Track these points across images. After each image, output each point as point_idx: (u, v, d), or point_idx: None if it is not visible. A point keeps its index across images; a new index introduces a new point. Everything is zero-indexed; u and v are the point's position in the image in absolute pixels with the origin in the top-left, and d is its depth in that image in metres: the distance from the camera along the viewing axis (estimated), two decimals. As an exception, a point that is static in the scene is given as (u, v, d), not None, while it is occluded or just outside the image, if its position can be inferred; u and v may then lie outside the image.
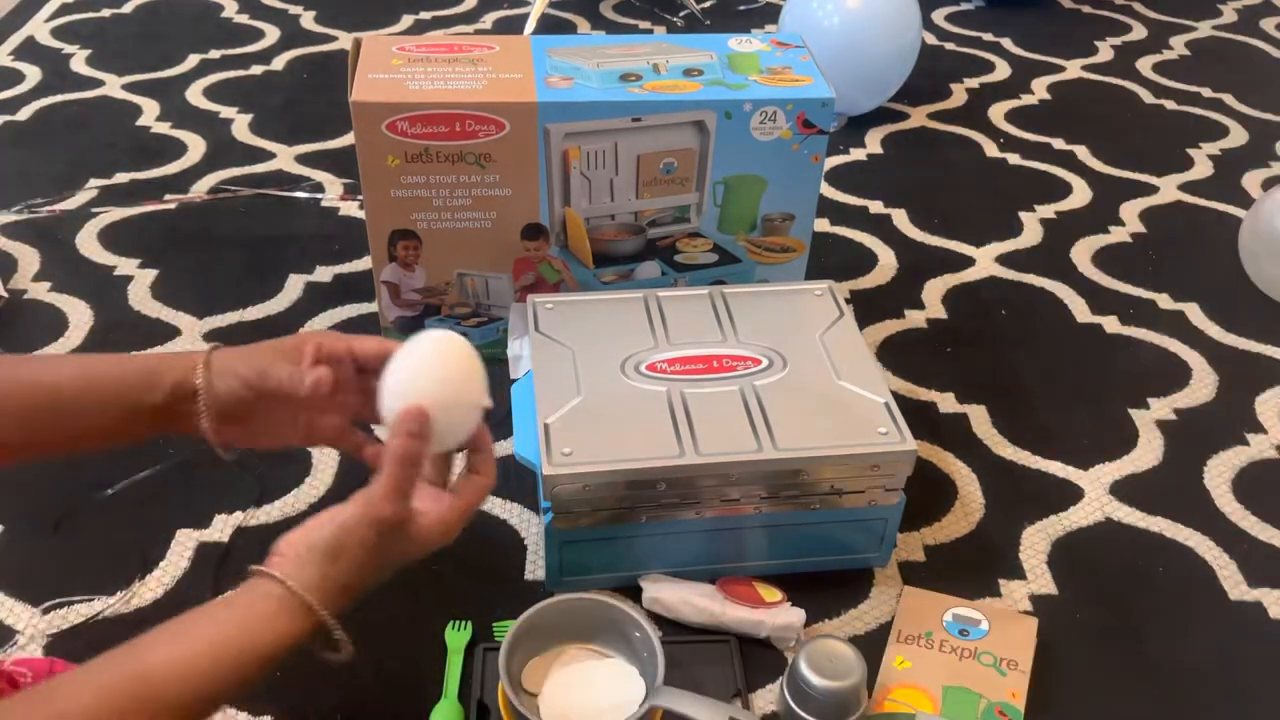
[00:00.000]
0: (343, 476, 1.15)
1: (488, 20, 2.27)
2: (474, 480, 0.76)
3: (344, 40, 2.15)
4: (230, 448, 0.77)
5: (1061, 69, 2.19)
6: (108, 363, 0.75)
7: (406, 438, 0.70)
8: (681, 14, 2.33)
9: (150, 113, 1.84)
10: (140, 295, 1.41)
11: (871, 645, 0.99)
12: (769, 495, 1.00)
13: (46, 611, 0.99)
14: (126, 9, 2.25)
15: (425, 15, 2.27)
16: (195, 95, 1.90)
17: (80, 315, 1.37)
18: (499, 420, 1.21)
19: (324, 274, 1.46)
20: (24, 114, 1.82)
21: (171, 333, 1.34)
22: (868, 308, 1.46)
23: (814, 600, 1.03)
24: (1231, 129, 1.98)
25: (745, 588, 1.01)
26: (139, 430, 0.76)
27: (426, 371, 0.73)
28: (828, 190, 1.72)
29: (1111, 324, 1.46)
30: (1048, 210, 1.70)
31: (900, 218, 1.67)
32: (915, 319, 1.45)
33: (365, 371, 0.77)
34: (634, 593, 1.02)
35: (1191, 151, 1.89)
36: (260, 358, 0.76)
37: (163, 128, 1.80)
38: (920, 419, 1.26)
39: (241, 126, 1.81)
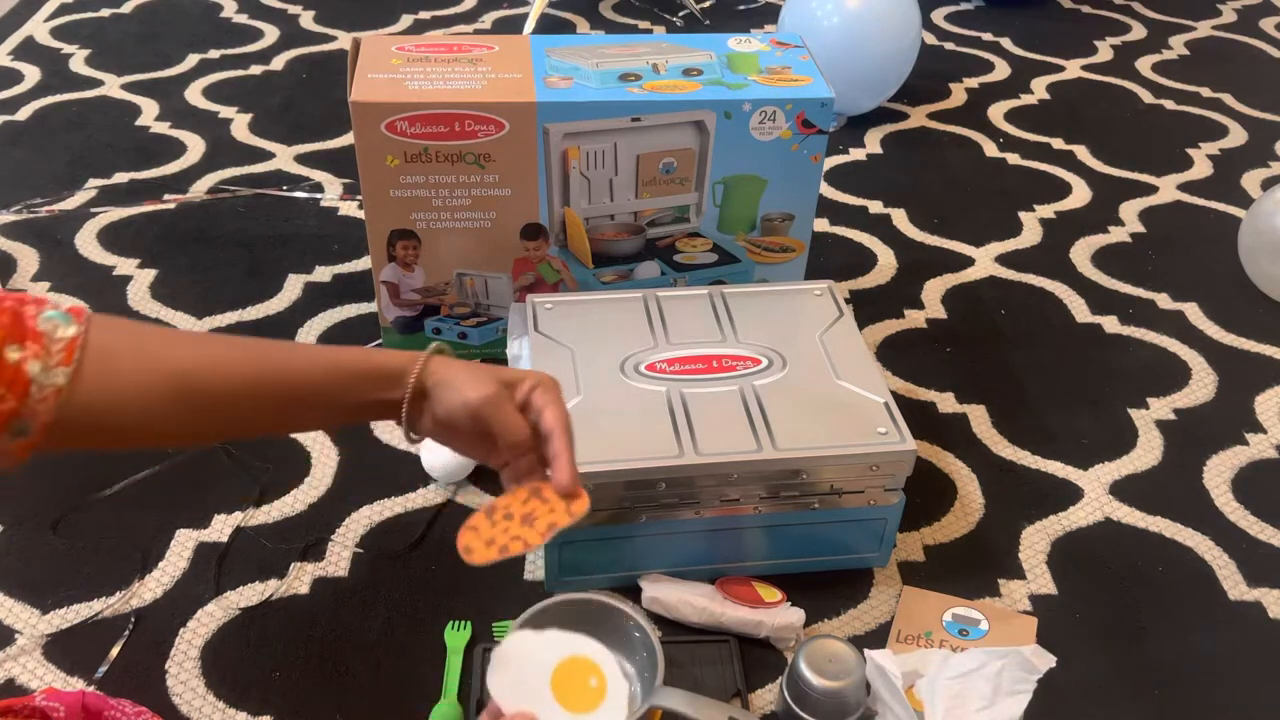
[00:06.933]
0: (342, 477, 1.14)
1: (487, 20, 2.27)
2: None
3: (343, 40, 2.15)
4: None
5: (1061, 69, 2.18)
6: (354, 359, 0.75)
7: None
8: (681, 14, 2.33)
9: (149, 113, 1.84)
10: (140, 295, 1.41)
11: (871, 645, 0.99)
12: (769, 495, 1.00)
13: (46, 612, 0.99)
14: (126, 9, 2.24)
15: (425, 15, 2.27)
16: (194, 95, 1.90)
17: (80, 315, 1.36)
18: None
19: (323, 274, 1.46)
20: (23, 114, 1.82)
21: (171, 333, 1.34)
22: (868, 308, 1.46)
23: (814, 600, 1.03)
24: (1231, 129, 1.98)
25: (745, 588, 1.01)
26: (360, 419, 0.79)
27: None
28: (827, 190, 1.72)
29: (1111, 324, 1.46)
30: (1047, 210, 1.70)
31: (900, 218, 1.67)
32: (915, 319, 1.45)
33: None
34: (634, 593, 1.02)
35: (1191, 151, 1.89)
36: (484, 399, 0.73)
37: (162, 128, 1.80)
38: (920, 419, 1.26)
39: (241, 126, 1.81)
